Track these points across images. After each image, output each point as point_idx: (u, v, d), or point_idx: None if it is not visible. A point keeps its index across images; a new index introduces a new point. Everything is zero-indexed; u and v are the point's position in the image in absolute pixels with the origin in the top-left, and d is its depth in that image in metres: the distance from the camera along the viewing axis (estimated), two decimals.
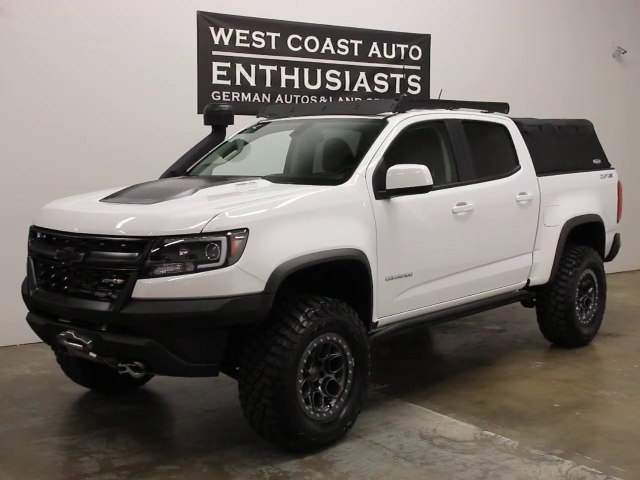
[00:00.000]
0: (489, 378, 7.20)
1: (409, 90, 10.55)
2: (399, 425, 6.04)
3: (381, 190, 6.04)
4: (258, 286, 5.16)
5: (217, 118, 7.43)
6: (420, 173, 5.96)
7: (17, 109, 8.29)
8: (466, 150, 7.04)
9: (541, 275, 7.75)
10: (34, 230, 5.97)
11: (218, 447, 5.63)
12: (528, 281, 7.69)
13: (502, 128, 7.66)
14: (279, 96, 9.75)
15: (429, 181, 5.98)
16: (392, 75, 10.51)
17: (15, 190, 8.26)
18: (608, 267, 8.85)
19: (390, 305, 6.20)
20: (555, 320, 7.93)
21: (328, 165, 6.90)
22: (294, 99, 9.85)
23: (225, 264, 5.07)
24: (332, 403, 5.60)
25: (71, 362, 6.48)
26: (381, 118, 6.59)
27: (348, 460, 5.41)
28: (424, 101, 7.13)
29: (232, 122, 7.49)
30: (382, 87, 10.45)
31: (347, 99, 10.07)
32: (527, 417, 6.21)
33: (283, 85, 9.77)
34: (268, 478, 5.15)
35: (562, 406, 6.46)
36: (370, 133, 6.45)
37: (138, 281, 5.11)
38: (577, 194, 8.11)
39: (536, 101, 11.15)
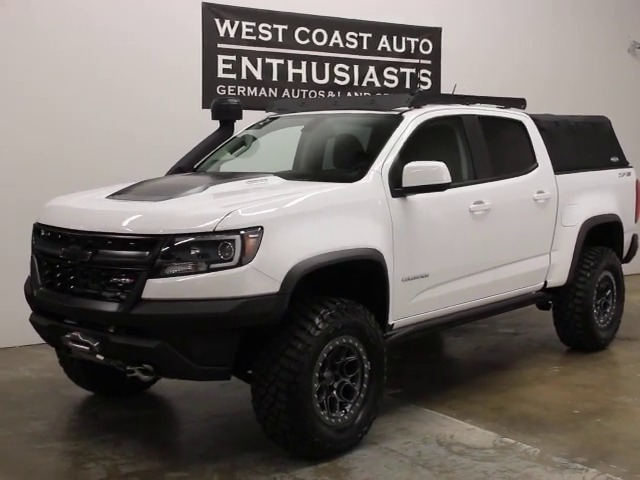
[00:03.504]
0: (505, 383, 6.99)
1: (419, 85, 10.32)
2: (415, 431, 5.83)
3: (397, 188, 5.83)
4: (273, 286, 4.95)
5: (225, 113, 7.22)
6: (438, 170, 5.78)
7: (23, 99, 8.10)
8: (483, 147, 6.83)
9: (558, 277, 7.53)
10: (38, 228, 5.75)
11: (228, 453, 5.42)
12: (545, 283, 7.47)
13: (519, 124, 7.44)
14: (286, 91, 9.53)
15: (447, 179, 5.79)
16: (402, 69, 10.28)
17: (17, 184, 8.04)
18: (626, 269, 8.58)
19: (406, 307, 5.99)
20: (572, 323, 7.72)
21: (340, 161, 6.67)
22: (301, 94, 9.63)
23: (239, 264, 4.86)
24: (347, 408, 5.39)
25: (74, 364, 6.25)
26: (396, 113, 6.38)
27: (364, 467, 5.21)
28: (440, 96, 6.91)
29: (241, 117, 7.29)
30: (392, 82, 10.22)
31: (356, 94, 9.84)
32: (547, 424, 6.00)
33: (290, 79, 9.55)
34: None
35: (582, 412, 6.24)
36: (385, 129, 6.24)
37: (148, 281, 4.89)
38: (595, 193, 7.87)
39: (550, 95, 10.89)
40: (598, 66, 12.29)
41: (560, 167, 7.57)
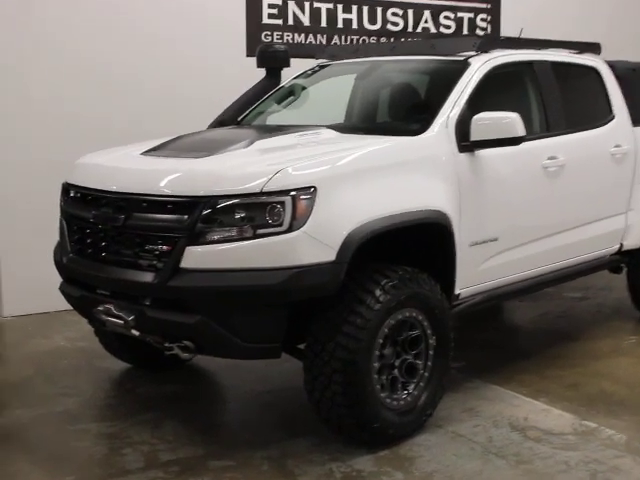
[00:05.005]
0: (579, 355, 6.39)
1: (477, 31, 9.64)
2: (484, 412, 5.27)
3: (464, 142, 5.24)
4: (328, 254, 4.39)
5: (272, 60, 6.65)
6: (511, 122, 5.17)
7: (58, 50, 7.61)
8: (556, 96, 6.18)
9: (635, 238, 6.89)
10: (67, 188, 5.23)
11: (278, 438, 4.90)
12: (621, 245, 6.84)
13: (595, 72, 6.76)
14: (335, 37, 8.91)
15: (521, 131, 5.19)
16: (459, 14, 9.60)
17: (52, 140, 7.56)
18: None
19: (474, 274, 5.42)
20: None
21: (399, 113, 6.10)
22: (352, 40, 9.00)
23: (289, 229, 4.31)
24: (410, 388, 4.85)
25: (110, 335, 5.73)
26: (462, 59, 5.75)
27: (430, 456, 4.66)
28: (509, 40, 6.28)
29: (288, 64, 6.71)
30: (448, 27, 9.56)
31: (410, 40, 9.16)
32: (631, 404, 5.42)
33: (340, 25, 8.93)
34: (339, 478, 4.42)
35: None
36: (449, 76, 5.61)
37: (187, 248, 4.36)
38: None
39: (613, 41, 10.11)
40: None
41: (638, 119, 6.88)
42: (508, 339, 7.14)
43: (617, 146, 6.59)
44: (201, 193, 4.38)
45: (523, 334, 7.38)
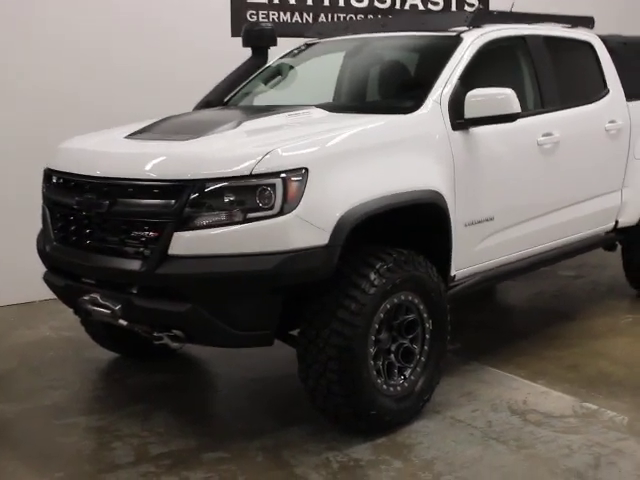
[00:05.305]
0: (576, 335, 6.28)
1: (466, 7, 9.47)
2: (482, 396, 5.16)
3: (459, 119, 5.10)
4: (321, 238, 4.25)
5: (258, 38, 6.44)
6: (506, 98, 5.05)
7: (39, 31, 7.41)
8: (550, 71, 6.05)
9: (630, 216, 6.78)
10: (49, 174, 5.06)
11: (272, 428, 4.77)
12: (616, 222, 6.72)
13: (588, 46, 6.62)
14: (322, 15, 8.72)
15: (517, 108, 5.07)
16: None
17: (34, 129, 7.34)
18: None
19: (470, 255, 5.30)
20: None
21: (390, 91, 5.97)
22: (338, 19, 8.81)
23: (280, 212, 4.17)
24: (407, 374, 4.74)
25: (96, 324, 5.57)
26: (454, 34, 5.61)
27: (429, 443, 4.54)
28: (501, 14, 6.13)
29: (275, 43, 6.51)
30: (436, 4, 9.38)
31: None
32: (631, 385, 5.32)
33: (326, 3, 8.73)
34: (337, 468, 4.30)
35: None
36: (441, 52, 5.47)
37: (175, 234, 4.21)
38: None
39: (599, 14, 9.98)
40: None
41: (632, 93, 6.75)
42: (504, 320, 7.04)
43: (612, 122, 6.47)
44: (188, 176, 4.23)
45: (519, 314, 7.27)
